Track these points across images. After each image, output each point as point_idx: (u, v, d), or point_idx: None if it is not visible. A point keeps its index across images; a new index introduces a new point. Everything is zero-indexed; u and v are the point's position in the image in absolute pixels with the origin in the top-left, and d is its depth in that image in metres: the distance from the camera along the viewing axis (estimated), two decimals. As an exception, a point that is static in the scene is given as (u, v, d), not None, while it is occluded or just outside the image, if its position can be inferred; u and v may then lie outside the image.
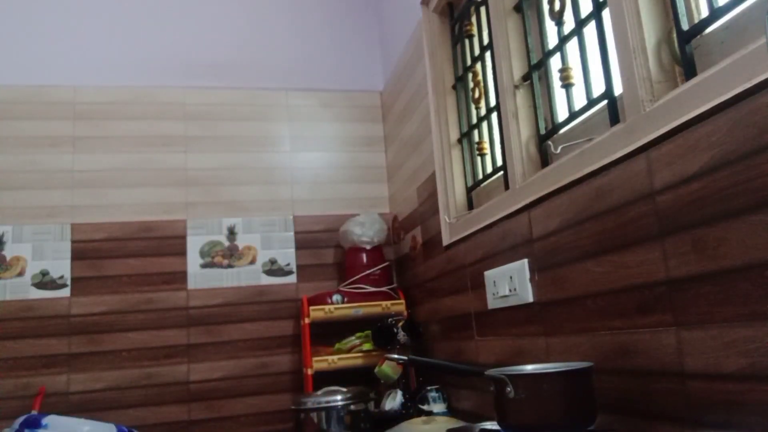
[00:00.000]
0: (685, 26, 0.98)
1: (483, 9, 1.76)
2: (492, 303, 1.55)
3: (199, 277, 2.41)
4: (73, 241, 2.31)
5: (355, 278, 2.37)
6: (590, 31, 1.24)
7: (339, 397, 1.87)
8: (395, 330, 2.05)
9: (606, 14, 1.14)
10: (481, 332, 1.66)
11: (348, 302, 2.30)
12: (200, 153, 2.52)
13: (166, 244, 2.41)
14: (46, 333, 2.23)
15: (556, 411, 0.97)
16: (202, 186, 2.49)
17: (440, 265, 1.98)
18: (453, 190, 1.90)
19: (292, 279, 2.49)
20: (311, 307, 2.28)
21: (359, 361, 2.24)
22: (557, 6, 1.35)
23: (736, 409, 0.81)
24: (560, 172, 1.24)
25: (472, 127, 1.86)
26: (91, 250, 2.33)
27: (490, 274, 1.56)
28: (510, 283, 1.44)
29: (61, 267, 2.28)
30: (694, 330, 0.89)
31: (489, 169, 1.79)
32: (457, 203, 1.89)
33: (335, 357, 2.24)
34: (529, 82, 1.49)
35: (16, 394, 2.16)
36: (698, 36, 0.97)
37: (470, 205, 1.87)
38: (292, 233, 2.53)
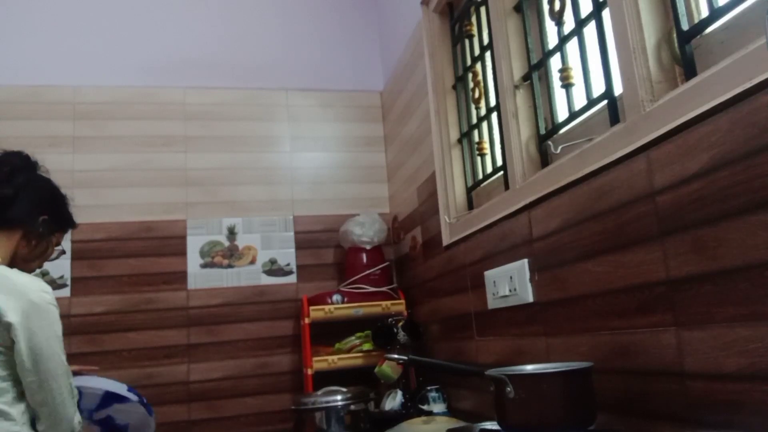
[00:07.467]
0: (685, 26, 0.98)
1: (483, 9, 1.76)
2: (492, 303, 1.55)
3: (199, 277, 2.41)
4: (73, 241, 2.30)
5: (355, 278, 2.36)
6: (590, 31, 1.24)
7: (339, 397, 1.86)
8: (395, 330, 2.05)
9: (606, 14, 1.14)
10: (481, 332, 1.66)
11: (348, 302, 2.30)
12: (200, 153, 2.51)
13: (166, 244, 2.41)
14: (46, 333, 2.22)
15: (556, 411, 0.97)
16: (202, 186, 2.49)
17: (440, 265, 1.98)
18: (453, 190, 1.90)
19: (292, 279, 2.49)
20: (311, 307, 2.28)
21: (359, 361, 2.24)
22: (557, 6, 1.34)
23: (736, 409, 0.81)
24: (560, 172, 1.24)
25: (472, 127, 1.86)
26: (91, 250, 2.33)
27: (490, 274, 1.56)
28: (510, 283, 1.43)
29: (62, 267, 2.28)
30: (694, 330, 0.89)
31: (489, 169, 1.79)
32: (457, 203, 1.89)
33: (335, 357, 2.24)
34: (529, 82, 1.49)
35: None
36: (698, 36, 0.97)
37: (470, 205, 1.87)
38: (292, 233, 2.53)
